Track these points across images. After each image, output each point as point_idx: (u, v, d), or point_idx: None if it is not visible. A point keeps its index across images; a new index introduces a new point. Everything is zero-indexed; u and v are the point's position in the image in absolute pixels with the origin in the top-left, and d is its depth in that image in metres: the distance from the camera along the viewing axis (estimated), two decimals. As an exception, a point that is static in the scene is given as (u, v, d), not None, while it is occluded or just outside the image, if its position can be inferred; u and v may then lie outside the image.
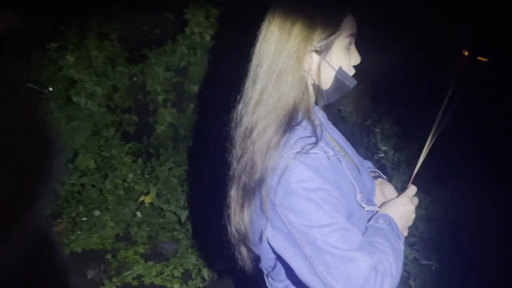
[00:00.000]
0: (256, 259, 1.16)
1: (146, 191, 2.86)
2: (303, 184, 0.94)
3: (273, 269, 1.12)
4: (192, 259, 2.65)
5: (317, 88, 1.06)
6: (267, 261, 1.11)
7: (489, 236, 2.38)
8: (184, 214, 2.75)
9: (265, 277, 1.19)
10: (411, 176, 1.23)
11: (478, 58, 1.11)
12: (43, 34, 2.96)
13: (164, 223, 2.91)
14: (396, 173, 2.60)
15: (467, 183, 2.55)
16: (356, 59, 1.08)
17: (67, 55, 2.90)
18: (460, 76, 1.17)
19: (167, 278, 2.57)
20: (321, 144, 1.00)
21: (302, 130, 1.01)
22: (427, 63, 2.79)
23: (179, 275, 2.59)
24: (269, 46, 1.02)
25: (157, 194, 2.86)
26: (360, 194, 1.07)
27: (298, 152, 0.95)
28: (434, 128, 1.20)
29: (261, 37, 1.05)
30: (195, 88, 3.38)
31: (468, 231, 2.51)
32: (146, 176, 2.96)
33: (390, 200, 1.16)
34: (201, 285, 2.54)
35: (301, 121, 1.02)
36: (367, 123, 2.83)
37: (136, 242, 2.82)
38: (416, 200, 1.16)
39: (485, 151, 2.49)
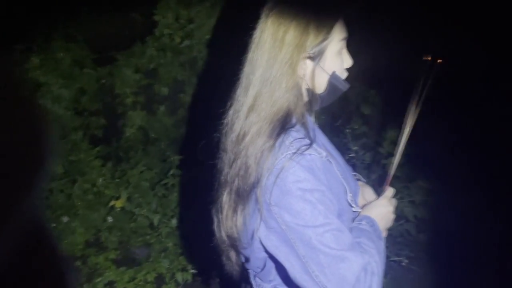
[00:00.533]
0: (246, 261, 1.18)
1: (117, 195, 2.81)
2: (299, 184, 0.96)
3: (262, 269, 1.14)
4: (165, 263, 2.62)
5: (311, 93, 1.08)
6: (257, 261, 1.13)
7: (458, 231, 2.47)
8: (156, 218, 2.71)
9: (252, 279, 1.20)
10: (386, 178, 1.26)
11: (438, 61, 1.16)
12: (8, 35, 2.86)
13: (135, 227, 2.87)
14: (366, 172, 2.65)
15: (435, 181, 2.63)
16: (348, 62, 1.11)
17: (32, 57, 2.81)
18: (424, 78, 1.21)
19: (139, 283, 2.54)
20: (314, 145, 1.02)
21: (296, 132, 1.03)
22: (395, 64, 2.86)
23: (152, 280, 2.56)
24: (262, 54, 1.04)
25: (128, 198, 2.82)
26: (350, 195, 1.11)
27: (294, 153, 0.98)
28: (406, 131, 1.23)
29: (253, 46, 1.07)
30: (165, 90, 3.34)
31: (436, 228, 2.59)
32: (117, 180, 2.90)
33: (370, 202, 1.19)
34: (175, 289, 2.52)
35: (295, 124, 1.04)
36: (337, 123, 2.88)
37: (107, 247, 2.76)
38: (394, 202, 1.20)
39: (453, 149, 2.58)
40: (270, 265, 1.11)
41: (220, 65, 3.20)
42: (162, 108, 3.33)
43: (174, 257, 2.67)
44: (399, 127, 2.94)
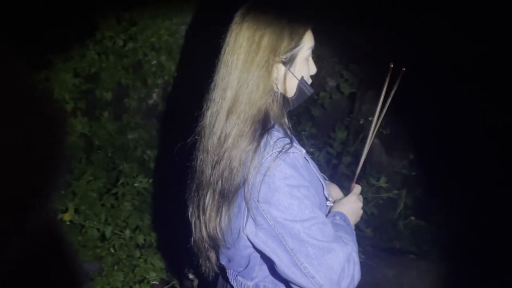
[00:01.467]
0: (228, 261, 1.20)
1: (64, 208, 2.64)
2: (286, 181, 1.01)
3: (245, 268, 1.17)
4: (120, 277, 2.52)
5: (283, 96, 1.13)
6: (241, 260, 1.16)
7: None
8: (108, 230, 2.59)
9: (233, 279, 1.22)
10: (353, 176, 1.33)
11: (403, 69, 1.23)
12: None
13: (84, 241, 2.72)
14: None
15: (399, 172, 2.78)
16: (313, 69, 1.18)
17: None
18: (390, 81, 1.27)
19: (94, 299, 2.42)
20: (294, 143, 1.08)
21: (277, 132, 1.08)
22: (343, 67, 2.98)
23: (107, 294, 2.45)
24: (238, 56, 1.07)
25: (76, 211, 2.67)
26: (326, 191, 1.18)
27: (279, 152, 1.03)
28: (371, 131, 1.29)
29: (228, 48, 1.10)
30: (108, 95, 3.21)
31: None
32: (61, 192, 2.73)
33: (340, 199, 1.25)
34: (133, 302, 2.42)
35: (273, 125, 1.09)
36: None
37: (54, 264, 2.59)
38: (361, 198, 1.27)
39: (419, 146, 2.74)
40: (254, 262, 1.15)
41: (169, 67, 3.14)
42: (105, 114, 3.19)
43: (129, 270, 2.57)
44: (348, 128, 3.05)
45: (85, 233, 2.70)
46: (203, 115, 1.14)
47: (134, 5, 3.17)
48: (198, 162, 1.16)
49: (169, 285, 2.55)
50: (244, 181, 1.04)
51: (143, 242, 2.67)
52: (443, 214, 3.01)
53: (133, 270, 2.55)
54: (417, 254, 3.12)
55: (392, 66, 1.26)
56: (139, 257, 2.62)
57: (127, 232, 2.63)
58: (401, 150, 3.48)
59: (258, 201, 1.02)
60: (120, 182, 2.78)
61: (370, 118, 3.46)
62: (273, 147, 1.03)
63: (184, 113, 3.23)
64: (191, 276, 2.50)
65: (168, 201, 3.09)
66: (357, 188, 1.28)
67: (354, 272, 1.01)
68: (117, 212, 2.75)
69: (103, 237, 2.68)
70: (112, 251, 2.65)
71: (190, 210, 1.21)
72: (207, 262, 1.22)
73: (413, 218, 3.14)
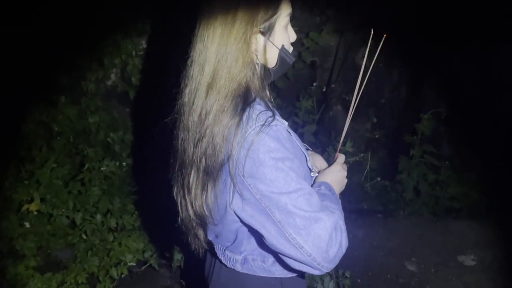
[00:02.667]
0: (216, 237, 1.20)
1: (29, 198, 2.56)
2: (271, 154, 0.99)
3: (233, 242, 1.17)
4: (95, 261, 2.49)
5: (263, 67, 1.10)
6: (229, 234, 1.15)
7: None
8: (78, 217, 2.54)
9: (221, 254, 1.21)
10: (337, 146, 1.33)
11: (385, 35, 1.22)
12: None
13: (53, 230, 2.66)
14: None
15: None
16: (293, 36, 1.14)
17: None
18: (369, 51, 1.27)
19: (71, 287, 2.38)
20: (277, 116, 1.06)
21: (259, 105, 1.06)
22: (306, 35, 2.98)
23: (84, 281, 2.42)
24: (214, 30, 1.03)
25: (42, 200, 2.59)
26: (310, 162, 1.17)
27: (262, 125, 1.01)
28: (354, 100, 1.30)
29: (202, 23, 1.06)
30: (63, 79, 3.09)
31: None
32: (25, 182, 2.64)
33: (325, 168, 1.26)
34: (111, 286, 2.41)
35: (255, 98, 1.06)
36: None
37: (25, 255, 2.53)
38: (345, 167, 1.28)
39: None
40: (242, 236, 1.15)
41: (126, 46, 3.04)
42: (62, 98, 3.08)
43: (104, 254, 2.54)
44: (311, 97, 3.06)
45: (54, 222, 2.63)
46: (181, 93, 1.10)
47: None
48: (179, 141, 1.13)
49: (146, 265, 2.55)
50: (228, 157, 1.02)
51: (115, 225, 2.64)
52: (406, 173, 3.13)
53: (108, 254, 2.52)
54: (384, 213, 3.25)
55: (372, 32, 1.26)
56: (113, 241, 2.59)
57: (98, 217, 2.58)
58: (363, 115, 3.57)
59: (243, 175, 1.01)
60: (86, 167, 2.71)
61: (333, 85, 3.51)
62: (255, 120, 1.01)
63: (146, 92, 3.16)
64: (168, 254, 2.51)
65: (138, 182, 3.06)
66: (340, 158, 1.26)
67: (341, 239, 1.01)
68: (85, 198, 2.69)
69: (73, 224, 2.63)
70: (84, 237, 2.61)
71: (175, 189, 1.18)
72: (196, 239, 1.21)
73: (379, 179, 3.25)
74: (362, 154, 2.81)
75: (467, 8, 3.03)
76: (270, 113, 1.04)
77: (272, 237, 1.02)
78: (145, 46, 3.09)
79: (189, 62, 1.09)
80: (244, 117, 1.02)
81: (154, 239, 2.65)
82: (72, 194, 2.69)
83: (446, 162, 3.16)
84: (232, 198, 1.05)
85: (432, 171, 3.10)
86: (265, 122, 1.01)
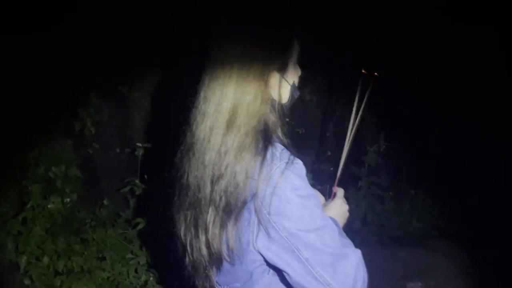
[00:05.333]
0: (229, 277, 1.15)
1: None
2: (296, 191, 1.00)
3: (244, 283, 1.13)
4: (40, 310, 2.25)
5: (278, 104, 1.12)
6: (244, 275, 1.11)
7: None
8: (23, 259, 2.30)
9: None
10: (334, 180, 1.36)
11: (375, 74, 1.29)
12: None
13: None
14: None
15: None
16: (299, 71, 1.18)
17: None
18: (362, 87, 1.34)
19: None
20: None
21: (278, 142, 1.07)
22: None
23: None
24: (231, 68, 1.04)
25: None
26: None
27: (286, 162, 1.01)
28: (348, 137, 1.34)
29: (217, 61, 1.07)
30: None
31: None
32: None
33: (327, 203, 1.28)
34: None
35: (272, 136, 1.07)
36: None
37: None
38: (345, 201, 1.30)
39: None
40: (256, 277, 1.11)
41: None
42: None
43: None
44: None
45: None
46: (191, 130, 1.09)
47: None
48: (190, 179, 1.09)
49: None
50: (253, 194, 1.00)
51: (63, 268, 2.42)
52: (354, 204, 3.26)
53: (56, 299, 2.31)
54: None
55: (364, 72, 1.31)
56: (60, 286, 2.37)
57: (45, 259, 2.36)
58: (310, 148, 3.69)
59: (269, 213, 0.99)
60: (29, 205, 2.48)
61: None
62: (280, 158, 1.01)
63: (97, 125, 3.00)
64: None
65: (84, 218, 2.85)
66: (340, 192, 1.28)
67: (364, 274, 1.02)
68: (26, 239, 2.45)
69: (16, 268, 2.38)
70: (27, 282, 2.36)
71: (183, 229, 1.14)
72: (205, 281, 1.15)
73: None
74: (320, 187, 2.87)
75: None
76: (289, 151, 1.05)
77: (298, 276, 1.00)
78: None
79: (200, 99, 1.08)
80: (268, 155, 1.02)
81: (105, 280, 2.47)
82: (10, 235, 2.44)
83: (390, 193, 3.34)
84: (257, 237, 1.03)
85: (378, 202, 3.25)
86: (289, 159, 1.02)
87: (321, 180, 3.60)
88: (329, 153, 3.21)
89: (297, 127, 3.32)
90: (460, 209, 3.69)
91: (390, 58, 3.19)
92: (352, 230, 3.26)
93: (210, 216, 1.07)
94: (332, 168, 3.25)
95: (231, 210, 1.03)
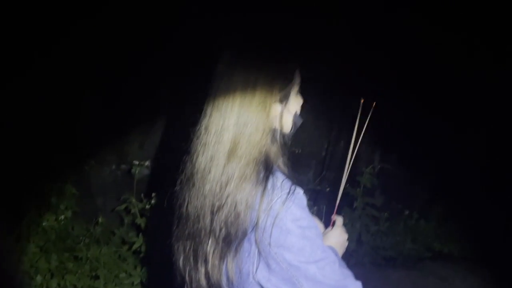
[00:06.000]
0: None
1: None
2: (297, 222, 1.00)
3: None
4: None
5: (281, 134, 1.13)
6: None
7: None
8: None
9: None
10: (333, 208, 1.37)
11: (373, 104, 1.32)
12: None
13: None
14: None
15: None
16: (300, 101, 1.19)
17: None
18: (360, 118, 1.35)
19: None
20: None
21: (280, 172, 1.07)
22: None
23: None
24: (233, 99, 1.05)
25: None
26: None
27: (288, 193, 1.01)
28: (347, 165, 1.35)
29: (220, 92, 1.08)
30: None
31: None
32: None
33: (327, 232, 1.28)
34: None
35: (273, 166, 1.08)
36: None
37: None
38: (345, 230, 1.31)
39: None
40: None
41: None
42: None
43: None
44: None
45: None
46: (192, 160, 1.09)
47: None
48: (190, 209, 1.10)
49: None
50: (254, 225, 1.01)
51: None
52: (350, 225, 3.26)
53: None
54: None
55: (362, 101, 1.33)
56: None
57: (38, 278, 2.33)
58: (305, 167, 3.69)
59: (270, 244, 0.99)
60: (24, 221, 2.46)
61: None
62: (280, 188, 1.02)
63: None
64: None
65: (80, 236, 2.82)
66: (339, 220, 1.29)
67: None
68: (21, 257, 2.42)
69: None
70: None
71: (182, 260, 1.13)
72: None
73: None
74: (316, 208, 2.88)
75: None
76: (290, 181, 1.06)
77: None
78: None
79: (201, 129, 1.10)
80: (269, 185, 1.02)
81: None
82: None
83: (385, 213, 3.35)
84: (257, 268, 1.03)
85: (373, 222, 3.26)
86: (290, 190, 1.02)
87: (318, 200, 3.61)
88: (325, 173, 3.21)
89: (293, 147, 3.33)
90: (454, 231, 3.71)
91: (386, 80, 3.22)
92: (347, 250, 3.26)
93: (210, 247, 1.07)
94: (328, 189, 3.25)
95: (231, 240, 1.03)
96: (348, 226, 3.25)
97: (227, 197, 1.03)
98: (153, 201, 2.63)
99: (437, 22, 2.80)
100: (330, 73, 2.99)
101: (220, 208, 1.04)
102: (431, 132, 3.67)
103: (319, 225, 1.33)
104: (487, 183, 3.69)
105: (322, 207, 2.97)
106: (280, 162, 1.11)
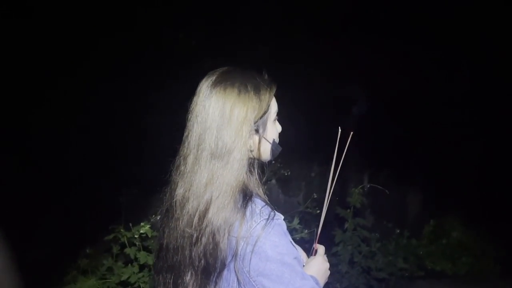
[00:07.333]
0: None
1: None
2: (277, 249, 1.00)
3: None
4: None
5: (258, 162, 1.15)
6: None
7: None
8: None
9: None
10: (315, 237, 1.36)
11: (351, 133, 1.32)
12: None
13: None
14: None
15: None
16: (279, 128, 1.20)
17: None
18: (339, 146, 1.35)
19: None
20: (276, 210, 1.07)
21: (258, 199, 1.07)
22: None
23: None
24: (210, 129, 1.06)
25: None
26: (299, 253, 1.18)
27: (266, 219, 1.02)
28: (327, 194, 1.34)
29: (197, 122, 1.08)
30: None
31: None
32: None
33: (309, 261, 1.27)
34: None
35: (252, 192, 1.08)
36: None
37: None
38: (326, 258, 1.29)
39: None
40: None
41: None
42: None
43: None
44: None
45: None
46: (170, 191, 1.10)
47: None
48: (170, 240, 1.09)
49: None
50: (233, 253, 1.00)
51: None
52: (342, 246, 3.23)
53: None
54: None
55: (340, 130, 1.33)
56: None
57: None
58: (295, 189, 3.69)
59: (249, 272, 0.99)
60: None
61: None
62: (259, 215, 1.02)
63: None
64: None
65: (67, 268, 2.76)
66: (321, 249, 1.29)
67: None
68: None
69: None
70: None
71: None
72: None
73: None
74: (306, 231, 2.85)
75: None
76: (270, 207, 1.06)
77: None
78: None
79: (180, 160, 1.10)
80: (248, 212, 1.02)
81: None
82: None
83: (376, 234, 3.33)
84: None
85: (364, 243, 3.24)
86: (269, 216, 1.02)
87: (308, 223, 3.59)
88: (315, 196, 3.20)
89: (283, 169, 3.33)
90: (445, 247, 3.72)
91: (375, 100, 3.26)
92: (340, 273, 3.23)
93: (190, 279, 1.06)
94: (318, 211, 3.24)
95: (211, 272, 1.03)
96: (340, 247, 3.23)
97: (205, 227, 1.02)
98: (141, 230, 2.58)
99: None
100: (320, 96, 3.02)
101: (198, 239, 1.03)
102: (420, 149, 3.72)
103: (301, 253, 1.32)
104: (477, 199, 3.72)
105: (313, 229, 2.94)
106: (258, 190, 1.11)
